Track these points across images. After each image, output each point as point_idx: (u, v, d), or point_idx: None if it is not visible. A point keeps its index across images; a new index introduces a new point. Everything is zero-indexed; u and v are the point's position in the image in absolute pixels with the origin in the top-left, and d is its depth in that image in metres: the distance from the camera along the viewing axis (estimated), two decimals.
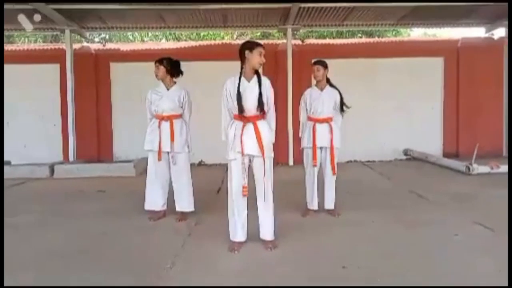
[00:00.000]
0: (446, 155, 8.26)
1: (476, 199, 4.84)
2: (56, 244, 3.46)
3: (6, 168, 7.13)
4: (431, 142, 8.54)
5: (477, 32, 9.31)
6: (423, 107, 8.61)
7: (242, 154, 3.13)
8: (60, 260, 3.06)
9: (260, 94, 3.12)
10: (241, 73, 3.18)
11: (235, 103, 3.11)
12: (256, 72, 3.20)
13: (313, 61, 4.21)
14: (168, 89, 4.14)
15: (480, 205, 4.55)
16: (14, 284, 2.60)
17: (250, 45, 3.17)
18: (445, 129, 8.68)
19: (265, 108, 3.17)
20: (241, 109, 3.10)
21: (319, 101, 4.13)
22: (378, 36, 13.46)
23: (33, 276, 2.76)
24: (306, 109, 4.24)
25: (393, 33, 13.92)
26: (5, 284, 2.48)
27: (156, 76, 4.15)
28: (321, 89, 4.18)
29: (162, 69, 4.11)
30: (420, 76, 8.54)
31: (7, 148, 8.17)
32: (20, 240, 3.59)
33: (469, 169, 6.32)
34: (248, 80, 3.17)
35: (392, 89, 8.56)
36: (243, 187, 3.16)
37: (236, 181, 3.19)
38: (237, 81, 3.15)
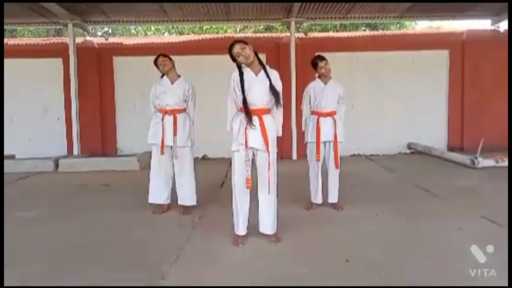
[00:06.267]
0: (450, 148, 8.21)
1: (481, 193, 4.82)
2: (60, 238, 3.47)
3: (10, 162, 7.17)
4: (435, 136, 8.49)
5: (482, 24, 9.20)
6: (428, 100, 8.55)
7: (246, 147, 3.12)
8: (64, 255, 3.06)
9: (271, 87, 3.11)
10: (239, 68, 3.16)
11: (241, 95, 3.10)
12: (262, 65, 3.17)
13: (313, 59, 4.16)
14: (172, 83, 4.12)
15: (485, 199, 4.53)
16: (16, 279, 2.60)
17: (230, 55, 3.13)
18: (450, 123, 8.62)
19: (278, 102, 3.16)
20: (245, 101, 3.09)
21: (323, 94, 4.11)
22: (382, 29, 13.35)
23: (39, 271, 2.76)
24: (310, 103, 4.23)
25: (397, 26, 13.80)
26: (8, 280, 2.47)
27: (164, 65, 4.08)
28: (325, 83, 4.15)
29: (168, 61, 4.10)
30: (425, 69, 8.47)
31: (11, 142, 8.19)
32: (23, 234, 3.60)
33: (474, 162, 6.29)
34: (256, 73, 3.16)
35: (396, 83, 8.50)
36: (247, 179, 3.15)
37: (238, 173, 3.18)
38: (238, 73, 3.14)
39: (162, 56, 4.13)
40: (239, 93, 3.11)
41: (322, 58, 4.12)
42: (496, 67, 8.31)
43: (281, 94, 3.22)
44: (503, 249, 2.86)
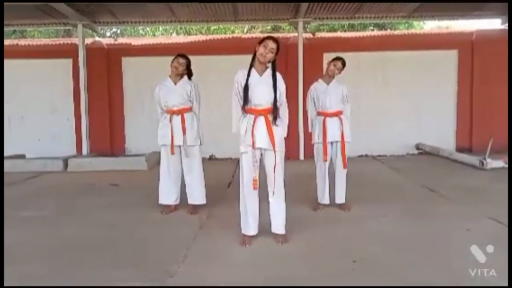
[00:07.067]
0: (459, 149, 8.15)
1: (489, 194, 4.79)
2: (68, 237, 3.50)
3: (20, 162, 7.28)
4: (444, 136, 8.43)
5: (493, 24, 9.12)
6: (436, 101, 8.49)
7: (253, 147, 3.14)
8: (71, 253, 3.09)
9: (275, 87, 3.12)
10: (251, 66, 3.18)
11: (243, 95, 3.12)
12: (271, 65, 3.18)
13: (335, 57, 4.14)
14: (175, 84, 4.14)
15: (494, 200, 4.49)
16: (21, 277, 2.63)
17: (261, 39, 3.15)
18: (459, 123, 8.56)
19: (278, 102, 3.15)
20: (246, 101, 3.12)
21: (326, 95, 4.10)
22: (390, 29, 13.29)
23: (46, 269, 2.80)
24: (314, 104, 4.22)
25: (406, 25, 13.72)
26: (13, 279, 2.50)
27: (176, 69, 4.07)
28: (327, 83, 4.14)
29: (184, 63, 4.10)
30: (433, 69, 8.42)
31: (21, 142, 8.33)
32: (32, 233, 3.64)
33: (482, 163, 6.24)
34: (260, 73, 3.17)
35: (405, 83, 8.46)
36: (254, 180, 3.16)
37: (247, 174, 3.19)
38: (246, 73, 3.15)
39: (181, 57, 4.11)
40: (242, 93, 3.13)
41: (338, 59, 4.09)
42: (506, 67, 8.20)
43: (284, 96, 3.22)
44: (504, 249, 2.85)
